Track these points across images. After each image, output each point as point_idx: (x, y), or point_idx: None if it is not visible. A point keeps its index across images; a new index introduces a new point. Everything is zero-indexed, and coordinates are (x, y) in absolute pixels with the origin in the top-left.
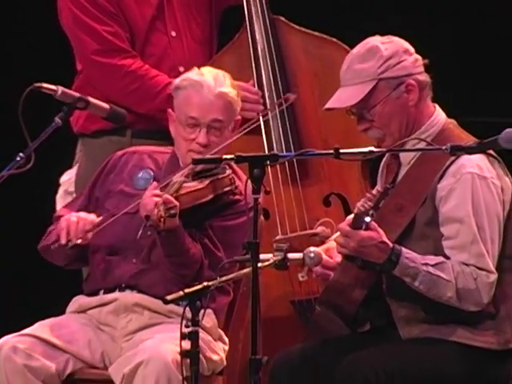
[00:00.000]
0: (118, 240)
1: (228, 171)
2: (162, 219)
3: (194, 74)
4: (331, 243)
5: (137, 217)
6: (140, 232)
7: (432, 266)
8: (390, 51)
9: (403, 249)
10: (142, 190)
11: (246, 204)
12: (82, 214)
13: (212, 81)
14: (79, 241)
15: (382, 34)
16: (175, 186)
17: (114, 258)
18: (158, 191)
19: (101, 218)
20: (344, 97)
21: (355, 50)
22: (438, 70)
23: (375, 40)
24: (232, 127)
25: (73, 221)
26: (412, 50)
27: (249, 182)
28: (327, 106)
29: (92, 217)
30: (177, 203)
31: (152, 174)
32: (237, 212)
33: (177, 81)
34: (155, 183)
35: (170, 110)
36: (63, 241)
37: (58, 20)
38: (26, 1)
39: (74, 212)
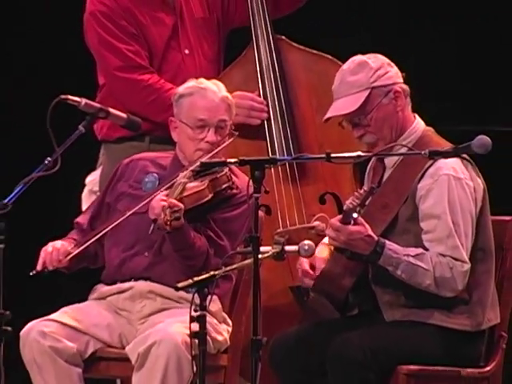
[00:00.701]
0: (131, 237)
1: (225, 169)
2: (168, 222)
3: (195, 83)
4: (320, 250)
5: (146, 215)
6: (151, 228)
7: (413, 256)
8: (377, 64)
9: (387, 241)
10: (149, 191)
11: (248, 194)
12: (57, 244)
13: (215, 87)
14: (51, 268)
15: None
16: (179, 188)
17: (128, 254)
18: (164, 195)
19: (72, 246)
20: (343, 106)
21: (345, 66)
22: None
23: (361, 57)
24: (231, 129)
25: (48, 251)
26: (392, 63)
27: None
28: (328, 115)
29: (65, 245)
30: (181, 206)
31: (157, 176)
32: (235, 204)
33: (179, 90)
34: (166, 192)
35: (171, 118)
36: (39, 268)
37: (83, 38)
38: (54, 23)
39: (86, 216)
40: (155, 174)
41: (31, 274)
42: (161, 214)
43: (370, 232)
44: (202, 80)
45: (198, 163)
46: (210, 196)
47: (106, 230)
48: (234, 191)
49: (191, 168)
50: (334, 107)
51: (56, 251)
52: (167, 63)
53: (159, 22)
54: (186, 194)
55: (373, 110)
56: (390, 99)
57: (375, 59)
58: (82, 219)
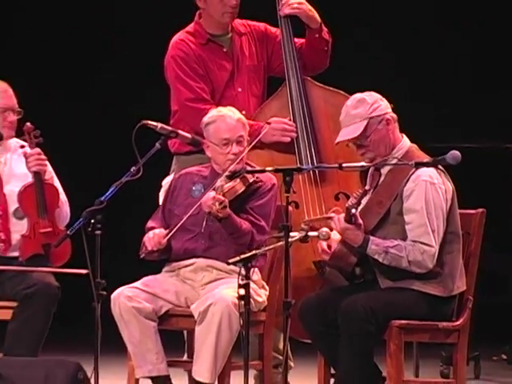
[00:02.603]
0: (189, 231)
1: (248, 169)
2: (219, 211)
3: (215, 112)
4: (334, 234)
5: (199, 216)
6: (203, 226)
7: (391, 247)
8: (372, 99)
9: (371, 237)
10: (197, 197)
11: (273, 185)
12: (156, 231)
13: (231, 112)
14: (156, 248)
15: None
16: (219, 188)
17: (189, 242)
18: (212, 194)
19: (167, 230)
20: (348, 132)
21: (349, 103)
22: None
23: (359, 95)
24: (247, 140)
25: (150, 237)
26: (383, 98)
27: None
28: (338, 139)
29: (162, 231)
30: (224, 199)
31: (202, 185)
32: (262, 193)
33: (204, 120)
34: (210, 192)
35: (204, 140)
36: (149, 248)
37: (162, 75)
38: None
39: (157, 221)
40: (200, 184)
41: (142, 255)
42: (212, 206)
43: (360, 231)
44: (220, 108)
45: (243, 171)
46: (243, 188)
47: (180, 223)
48: (260, 184)
49: (225, 174)
50: (342, 133)
51: (157, 236)
52: (224, 98)
53: (221, 67)
54: (225, 191)
55: (371, 134)
56: (383, 125)
57: (370, 96)
58: (153, 224)
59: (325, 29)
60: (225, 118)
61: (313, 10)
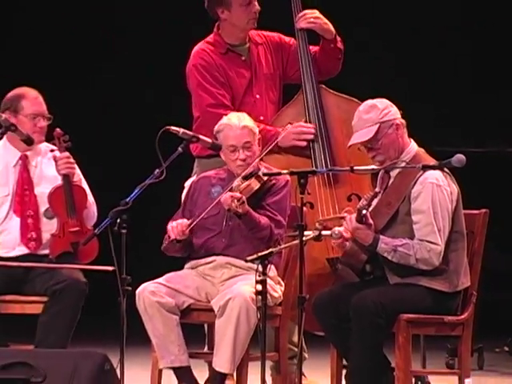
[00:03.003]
0: (210, 230)
1: (262, 168)
2: (238, 207)
3: (225, 120)
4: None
5: (219, 216)
6: (224, 224)
7: (399, 246)
8: (382, 106)
9: (381, 237)
10: (216, 198)
11: (286, 182)
12: (179, 221)
13: (237, 120)
14: (179, 237)
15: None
16: (236, 188)
17: (210, 240)
18: (229, 193)
19: (190, 220)
20: (361, 136)
21: (361, 108)
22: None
23: (371, 101)
24: (258, 143)
25: (173, 226)
26: (393, 104)
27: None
28: (351, 142)
29: (185, 221)
30: (242, 195)
31: (220, 187)
32: (276, 190)
33: (216, 128)
34: (227, 193)
35: None
36: (172, 237)
37: (184, 83)
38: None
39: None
40: (219, 186)
41: (165, 246)
42: (231, 204)
43: (371, 230)
44: (231, 115)
45: (257, 171)
46: (258, 185)
47: (203, 214)
48: (273, 181)
49: (241, 176)
50: (355, 137)
51: (180, 225)
52: (244, 105)
53: (240, 75)
54: (242, 189)
55: (382, 137)
56: (393, 130)
57: (381, 102)
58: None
59: (338, 38)
60: (231, 126)
61: (328, 23)
